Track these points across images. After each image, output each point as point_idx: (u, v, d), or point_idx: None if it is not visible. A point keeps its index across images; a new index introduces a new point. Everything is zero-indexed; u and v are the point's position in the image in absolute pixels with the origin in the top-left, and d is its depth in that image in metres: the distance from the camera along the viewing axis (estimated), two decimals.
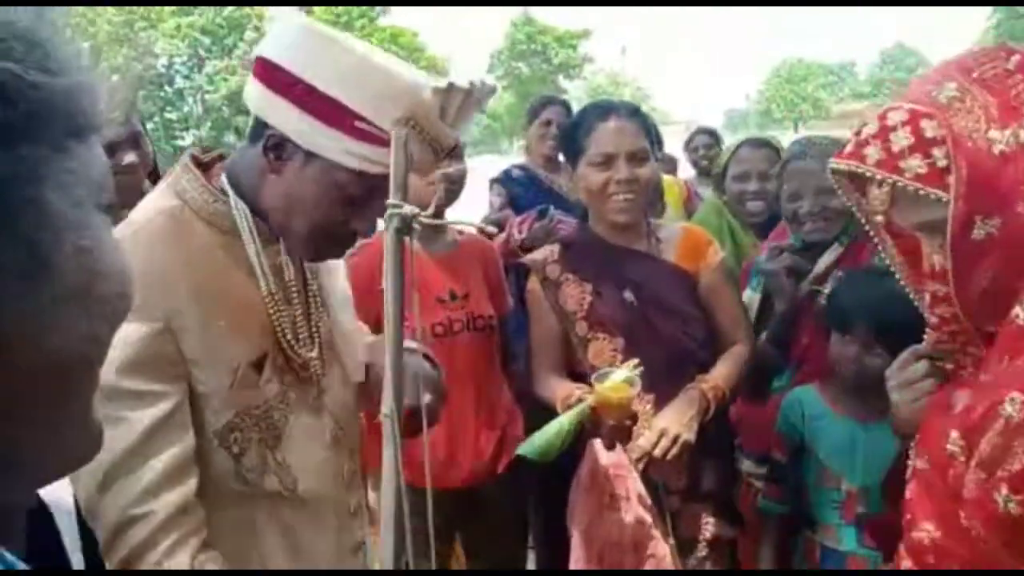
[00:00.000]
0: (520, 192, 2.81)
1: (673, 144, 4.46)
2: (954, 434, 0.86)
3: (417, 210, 0.95)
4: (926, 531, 0.91)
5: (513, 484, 1.97)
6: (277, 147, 0.98)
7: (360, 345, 1.23)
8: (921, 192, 0.82)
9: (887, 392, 1.59)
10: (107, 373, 0.80)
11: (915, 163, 0.83)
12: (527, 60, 46.78)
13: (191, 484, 0.95)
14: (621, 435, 1.12)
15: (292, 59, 0.95)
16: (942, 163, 0.81)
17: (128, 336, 0.89)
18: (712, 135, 3.94)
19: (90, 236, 0.36)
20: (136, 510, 0.90)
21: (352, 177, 0.97)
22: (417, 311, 1.05)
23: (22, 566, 0.42)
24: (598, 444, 1.63)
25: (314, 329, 1.10)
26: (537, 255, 1.82)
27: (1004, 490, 0.78)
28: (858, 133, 0.89)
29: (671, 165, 4.16)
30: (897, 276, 1.03)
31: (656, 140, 1.80)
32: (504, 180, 2.90)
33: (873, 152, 0.87)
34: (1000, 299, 0.80)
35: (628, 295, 1.70)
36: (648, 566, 1.57)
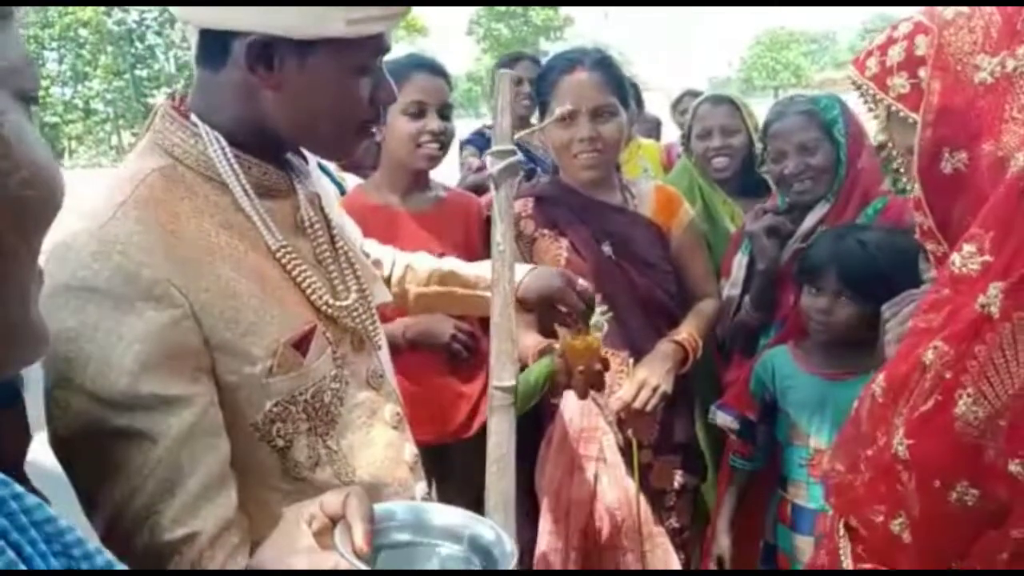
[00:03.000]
0: None
1: (654, 110, 4.42)
2: (879, 377, 0.86)
3: (521, 156, 0.89)
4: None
5: (471, 449, 1.98)
6: (262, 56, 0.82)
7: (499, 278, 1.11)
8: (901, 113, 0.78)
9: (859, 346, 1.63)
10: (122, 377, 0.74)
11: (899, 81, 0.79)
12: (506, 21, 46.00)
13: (232, 494, 0.82)
14: (594, 381, 1.12)
15: None
16: (924, 84, 0.76)
17: (144, 329, 0.75)
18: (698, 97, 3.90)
19: (2, 122, 0.34)
20: (175, 534, 0.77)
21: (360, 47, 0.86)
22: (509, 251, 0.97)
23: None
24: (567, 405, 1.64)
25: (352, 284, 0.96)
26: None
27: (901, 432, 0.78)
28: (875, 40, 0.84)
29: (654, 127, 4.12)
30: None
31: (634, 97, 1.76)
32: (476, 142, 2.85)
33: (872, 64, 0.82)
34: None
35: (606, 248, 1.70)
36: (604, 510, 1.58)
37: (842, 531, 0.97)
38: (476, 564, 0.65)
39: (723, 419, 1.76)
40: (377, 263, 1.30)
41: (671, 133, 4.33)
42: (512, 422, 0.97)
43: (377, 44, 0.87)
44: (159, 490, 0.77)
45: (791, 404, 1.69)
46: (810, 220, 1.84)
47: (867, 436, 0.90)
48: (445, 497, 2.06)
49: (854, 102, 1.89)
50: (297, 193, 0.93)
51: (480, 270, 1.29)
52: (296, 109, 0.86)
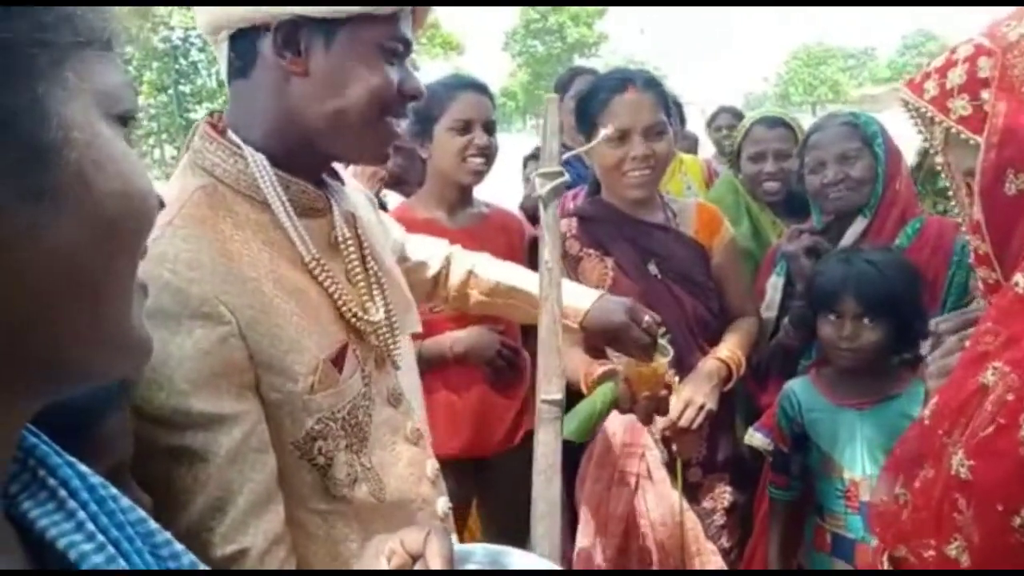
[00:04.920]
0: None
1: (689, 125, 4.42)
2: (930, 404, 0.85)
3: (568, 178, 0.91)
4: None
5: (530, 454, 2.00)
6: (290, 42, 0.83)
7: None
8: (962, 135, 0.78)
9: (881, 372, 1.61)
10: (173, 395, 0.75)
11: (961, 103, 0.78)
12: (541, 38, 46.29)
13: (279, 509, 0.83)
14: (659, 407, 1.12)
15: None
16: (988, 106, 0.75)
17: (193, 347, 0.77)
18: (735, 114, 3.89)
19: (93, 139, 0.37)
20: (225, 551, 0.78)
21: (385, 26, 0.86)
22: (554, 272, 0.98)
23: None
24: (611, 420, 1.65)
25: (380, 302, 0.97)
26: (561, 228, 1.82)
27: (960, 453, 0.77)
28: (929, 63, 0.84)
29: (692, 144, 4.11)
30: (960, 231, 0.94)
31: (678, 115, 1.78)
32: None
33: (930, 87, 0.82)
34: None
35: (652, 267, 1.71)
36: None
37: (886, 563, 0.96)
38: None
39: (760, 441, 1.75)
40: (422, 264, 1.30)
41: (706, 149, 4.32)
42: (559, 434, 0.99)
43: (395, 30, 0.87)
44: (209, 508, 0.78)
45: (821, 437, 1.66)
46: (849, 237, 1.82)
47: (914, 467, 0.89)
48: (486, 510, 2.08)
49: (893, 129, 1.90)
50: (333, 211, 0.94)
51: None
52: (324, 94, 0.85)
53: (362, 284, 0.95)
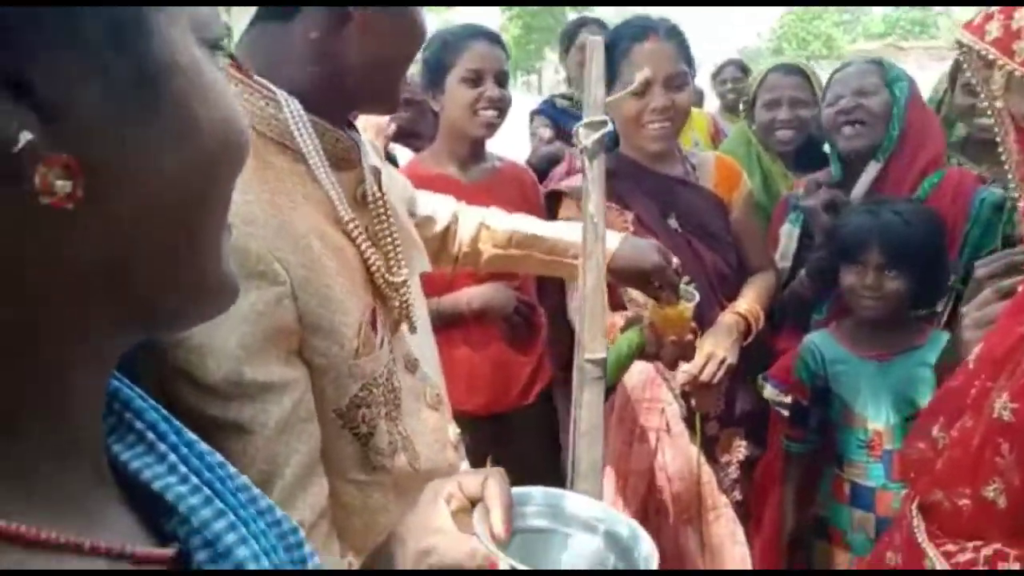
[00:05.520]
0: (570, 123, 2.75)
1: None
2: (975, 352, 0.85)
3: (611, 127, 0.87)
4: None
5: (545, 411, 2.01)
6: None
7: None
8: None
9: (903, 324, 1.61)
10: (225, 361, 0.71)
11: None
12: None
13: (324, 481, 0.81)
14: (685, 352, 1.12)
15: None
16: None
17: (249, 308, 0.72)
18: (741, 68, 3.83)
19: (193, 64, 0.35)
20: None
21: None
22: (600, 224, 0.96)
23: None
24: (630, 375, 1.65)
25: (403, 262, 0.93)
26: (572, 182, 1.80)
27: (1004, 396, 0.77)
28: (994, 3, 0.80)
29: (698, 98, 4.06)
30: (1006, 180, 0.92)
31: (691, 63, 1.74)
32: (548, 111, 2.83)
33: (993, 28, 0.79)
34: None
35: (672, 222, 1.69)
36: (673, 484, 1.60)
37: (915, 511, 0.97)
38: (611, 563, 0.63)
39: (771, 392, 1.76)
40: (429, 219, 1.25)
41: (711, 103, 4.27)
42: (602, 393, 0.98)
43: None
44: (257, 481, 0.72)
45: (844, 388, 1.68)
46: (863, 183, 1.81)
47: (954, 413, 0.90)
48: (502, 466, 2.09)
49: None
50: (362, 165, 0.91)
51: (560, 232, 1.27)
52: (378, 43, 0.83)
53: (388, 244, 0.91)
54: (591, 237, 0.93)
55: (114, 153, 0.31)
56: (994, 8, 0.80)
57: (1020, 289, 0.81)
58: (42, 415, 0.34)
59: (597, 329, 0.97)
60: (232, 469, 0.45)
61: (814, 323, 1.87)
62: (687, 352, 1.14)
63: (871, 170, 1.80)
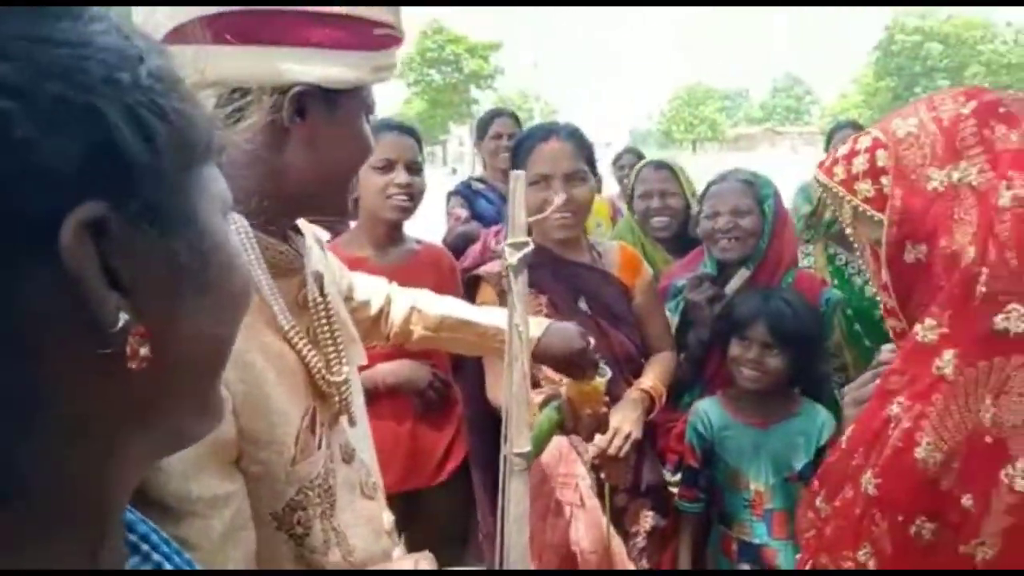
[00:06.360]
0: (485, 205, 2.92)
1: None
2: (847, 433, 0.99)
3: (532, 246, 0.97)
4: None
5: (459, 488, 2.05)
6: (300, 107, 0.83)
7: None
8: (868, 213, 0.92)
9: (782, 396, 1.82)
10: (175, 479, 0.71)
11: (865, 187, 0.93)
12: (438, 68, 46.66)
13: None
14: (600, 424, 1.22)
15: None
16: (887, 190, 0.90)
17: None
18: (638, 155, 4.14)
19: (225, 241, 0.42)
20: None
21: (363, 97, 0.89)
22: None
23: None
24: (546, 454, 1.74)
25: (344, 360, 0.95)
26: (492, 268, 1.91)
27: (869, 473, 0.91)
28: (837, 150, 0.99)
29: (599, 184, 4.32)
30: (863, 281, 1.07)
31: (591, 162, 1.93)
32: (464, 192, 2.99)
33: (839, 171, 0.96)
34: None
35: (582, 304, 1.83)
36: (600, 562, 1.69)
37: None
38: None
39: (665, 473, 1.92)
40: (365, 304, 1.31)
41: (611, 186, 4.55)
42: (527, 483, 1.05)
43: (370, 91, 0.92)
44: None
45: (728, 452, 1.85)
46: (732, 286, 2.04)
47: (836, 486, 1.03)
48: (415, 544, 2.09)
49: (766, 166, 2.11)
50: (304, 270, 0.93)
51: (488, 318, 1.33)
52: (322, 159, 0.86)
53: (329, 345, 0.94)
54: (516, 344, 1.01)
55: (172, 320, 0.38)
56: (840, 153, 0.98)
57: (880, 380, 0.96)
58: (78, 532, 0.38)
59: (522, 425, 1.04)
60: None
61: (685, 404, 2.05)
62: (602, 425, 1.24)
63: (742, 274, 2.04)
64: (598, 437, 1.68)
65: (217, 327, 0.42)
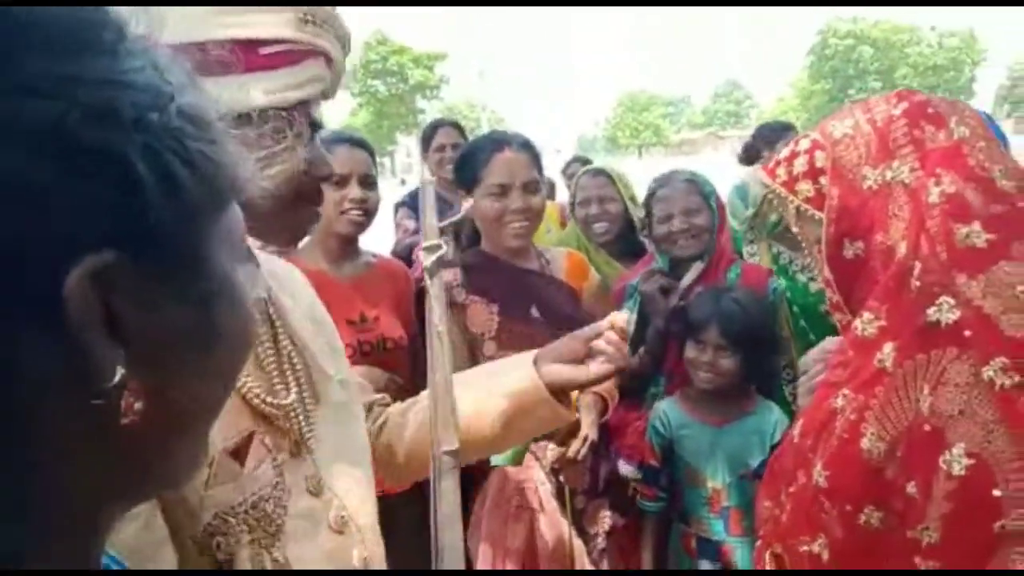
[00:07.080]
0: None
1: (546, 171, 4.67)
2: (798, 424, 1.03)
3: (445, 249, 0.96)
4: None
5: (415, 497, 2.03)
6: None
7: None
8: (809, 212, 0.97)
9: (737, 395, 1.86)
10: None
11: (806, 187, 0.97)
12: (383, 79, 46.45)
13: None
14: (573, 427, 1.22)
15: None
16: (826, 190, 0.94)
17: None
18: (586, 163, 4.19)
19: (234, 288, 0.41)
20: None
21: (297, 113, 0.88)
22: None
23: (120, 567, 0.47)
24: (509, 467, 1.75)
25: (293, 384, 0.93)
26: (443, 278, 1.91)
27: (819, 465, 0.94)
28: (780, 152, 1.03)
29: (549, 189, 4.37)
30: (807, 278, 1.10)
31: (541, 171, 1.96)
32: (412, 203, 2.98)
33: (781, 172, 1.01)
34: None
35: (534, 311, 1.84)
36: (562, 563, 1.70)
37: (768, 558, 1.12)
38: None
39: (625, 470, 1.94)
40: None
41: (563, 192, 4.60)
42: (458, 482, 1.04)
43: (306, 109, 0.90)
44: None
45: (686, 451, 1.89)
46: (687, 279, 2.09)
47: (789, 475, 1.06)
48: (394, 549, 2.06)
49: (710, 169, 2.16)
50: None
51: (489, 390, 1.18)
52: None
53: (273, 368, 0.91)
54: (437, 344, 1.00)
55: (170, 378, 0.37)
56: (782, 155, 1.02)
57: (826, 373, 0.99)
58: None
59: (449, 424, 1.03)
60: None
61: (649, 396, 2.08)
62: (575, 429, 1.25)
63: (696, 268, 2.09)
64: (552, 444, 1.70)
65: (215, 387, 0.41)
